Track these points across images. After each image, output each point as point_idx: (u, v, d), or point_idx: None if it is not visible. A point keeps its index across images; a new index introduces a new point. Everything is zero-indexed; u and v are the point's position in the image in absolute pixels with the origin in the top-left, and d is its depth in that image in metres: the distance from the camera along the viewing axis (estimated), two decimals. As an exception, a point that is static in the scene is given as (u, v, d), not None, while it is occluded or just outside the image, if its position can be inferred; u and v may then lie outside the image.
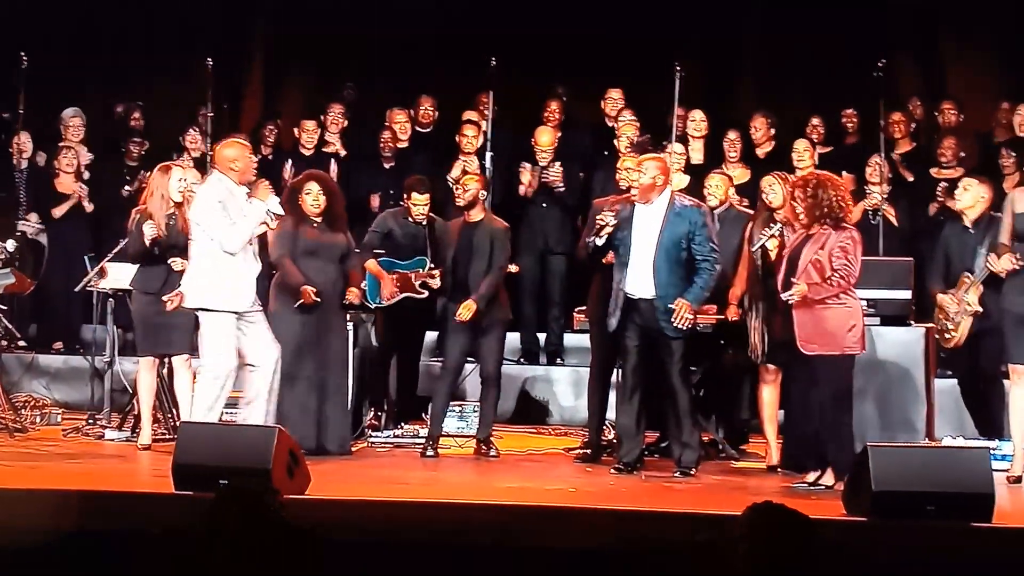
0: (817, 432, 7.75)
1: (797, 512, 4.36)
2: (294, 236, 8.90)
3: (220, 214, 8.20)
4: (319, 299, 8.79)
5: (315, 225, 8.99)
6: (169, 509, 6.65)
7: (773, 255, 8.17)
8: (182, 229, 8.92)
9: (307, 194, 8.96)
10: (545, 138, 11.27)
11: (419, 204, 9.64)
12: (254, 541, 4.26)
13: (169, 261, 8.94)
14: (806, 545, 4.33)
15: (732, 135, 11.16)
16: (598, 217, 8.27)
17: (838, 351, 7.70)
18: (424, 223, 9.68)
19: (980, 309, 8.81)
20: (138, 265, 9.07)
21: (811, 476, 7.81)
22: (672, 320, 8.09)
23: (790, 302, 7.68)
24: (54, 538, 6.14)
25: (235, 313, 8.18)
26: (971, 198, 9.07)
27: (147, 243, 8.89)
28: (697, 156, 11.18)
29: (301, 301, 8.76)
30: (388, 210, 10.14)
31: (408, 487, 7.68)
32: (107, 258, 9.84)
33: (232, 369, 8.21)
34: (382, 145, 11.68)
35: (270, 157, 12.01)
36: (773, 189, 8.69)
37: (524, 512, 6.76)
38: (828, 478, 7.74)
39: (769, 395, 8.64)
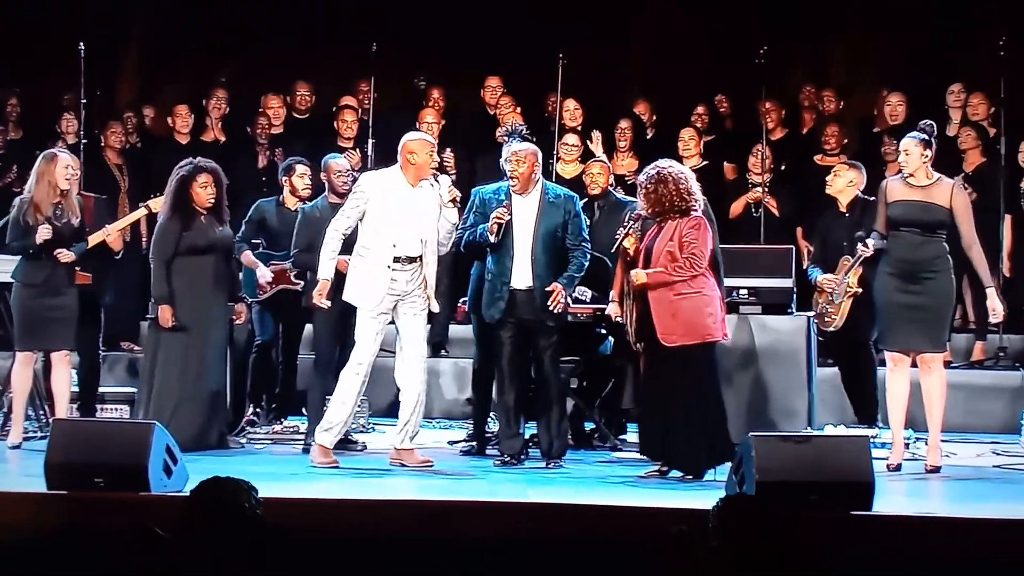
0: (682, 427, 7.83)
1: (770, 504, 4.43)
2: (179, 234, 8.79)
3: (351, 201, 8.28)
4: (177, 322, 8.72)
5: (202, 219, 8.88)
6: (43, 509, 6.59)
7: (632, 251, 8.23)
8: (69, 221, 8.82)
9: (201, 187, 8.83)
10: (430, 117, 11.29)
11: (305, 176, 9.52)
12: (231, 539, 4.27)
13: (56, 253, 8.80)
14: (778, 537, 4.40)
15: (624, 124, 11.28)
16: (495, 213, 8.33)
17: (698, 340, 7.83)
18: (299, 209, 9.49)
19: (860, 290, 8.99)
20: (19, 257, 8.91)
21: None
22: (548, 304, 8.20)
23: (645, 291, 7.81)
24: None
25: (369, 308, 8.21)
26: (842, 183, 9.31)
27: (39, 243, 8.73)
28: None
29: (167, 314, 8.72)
30: (263, 198, 9.90)
31: (285, 485, 7.66)
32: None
33: (367, 360, 8.25)
34: (258, 131, 11.63)
35: (139, 145, 11.87)
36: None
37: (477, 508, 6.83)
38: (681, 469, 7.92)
39: (652, 385, 8.73)
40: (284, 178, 9.62)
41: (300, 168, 9.57)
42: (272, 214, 9.58)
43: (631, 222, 8.29)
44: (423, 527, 6.57)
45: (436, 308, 8.51)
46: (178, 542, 4.27)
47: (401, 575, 6.28)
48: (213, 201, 8.86)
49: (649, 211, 8.00)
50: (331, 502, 6.90)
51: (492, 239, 8.31)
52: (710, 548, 4.46)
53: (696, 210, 7.93)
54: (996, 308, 8.41)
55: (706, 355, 7.90)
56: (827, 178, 9.51)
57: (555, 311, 8.24)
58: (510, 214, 8.31)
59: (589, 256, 8.45)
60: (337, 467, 8.19)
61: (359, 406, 8.95)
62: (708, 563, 4.40)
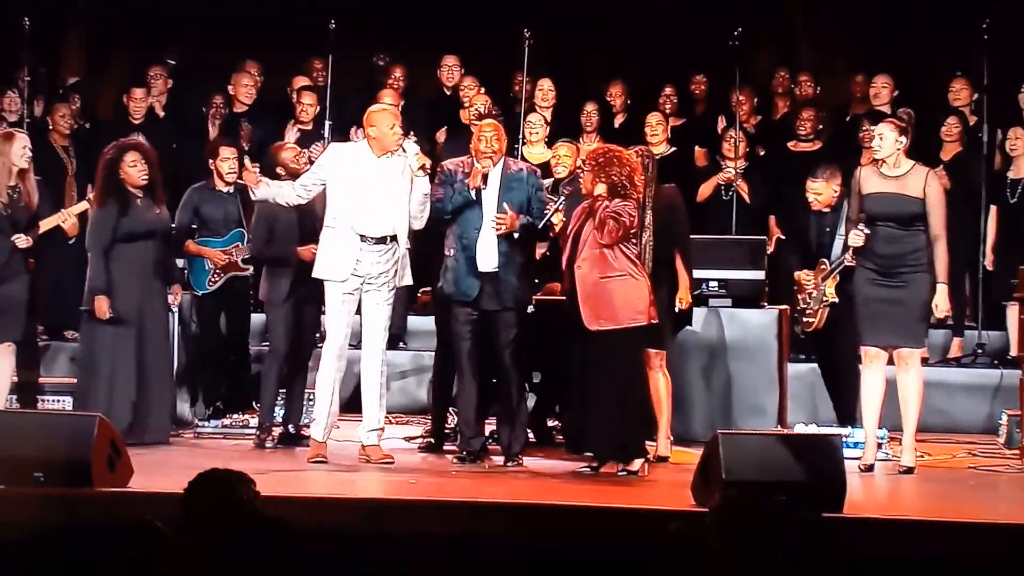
0: (610, 414, 7.90)
1: (770, 500, 4.48)
2: (116, 221, 8.74)
3: (313, 169, 8.42)
4: (115, 313, 8.70)
5: (139, 201, 8.85)
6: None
7: (558, 227, 8.25)
8: (26, 203, 8.74)
9: (131, 166, 8.79)
10: (389, 98, 11.28)
11: (230, 159, 9.48)
12: (227, 530, 4.30)
13: (13, 238, 8.68)
14: (778, 533, 4.45)
15: (590, 107, 11.30)
16: (478, 165, 8.28)
17: (624, 325, 7.88)
18: (232, 191, 9.53)
19: (836, 300, 8.98)
20: None
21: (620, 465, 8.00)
22: (496, 221, 8.23)
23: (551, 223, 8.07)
24: None
25: (338, 283, 8.22)
26: (828, 194, 9.21)
27: None
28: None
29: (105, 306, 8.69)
30: (192, 185, 9.75)
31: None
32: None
33: (338, 345, 8.28)
34: (212, 112, 11.62)
35: (87, 126, 11.82)
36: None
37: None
38: (634, 464, 7.96)
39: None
40: (210, 161, 9.58)
41: (224, 151, 9.55)
42: (204, 199, 9.55)
43: (561, 197, 8.35)
44: (378, 525, 6.61)
45: (409, 280, 8.54)
46: (176, 535, 4.31)
47: (358, 572, 6.32)
48: (146, 179, 8.80)
49: (592, 186, 8.03)
50: (285, 499, 6.92)
51: (473, 194, 8.29)
52: (709, 545, 4.52)
53: (632, 199, 8.00)
54: (941, 306, 8.26)
55: (632, 340, 7.96)
56: (815, 188, 9.21)
57: (497, 228, 8.23)
58: (493, 165, 8.33)
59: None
60: (326, 462, 8.26)
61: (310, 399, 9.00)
62: (707, 560, 4.46)
